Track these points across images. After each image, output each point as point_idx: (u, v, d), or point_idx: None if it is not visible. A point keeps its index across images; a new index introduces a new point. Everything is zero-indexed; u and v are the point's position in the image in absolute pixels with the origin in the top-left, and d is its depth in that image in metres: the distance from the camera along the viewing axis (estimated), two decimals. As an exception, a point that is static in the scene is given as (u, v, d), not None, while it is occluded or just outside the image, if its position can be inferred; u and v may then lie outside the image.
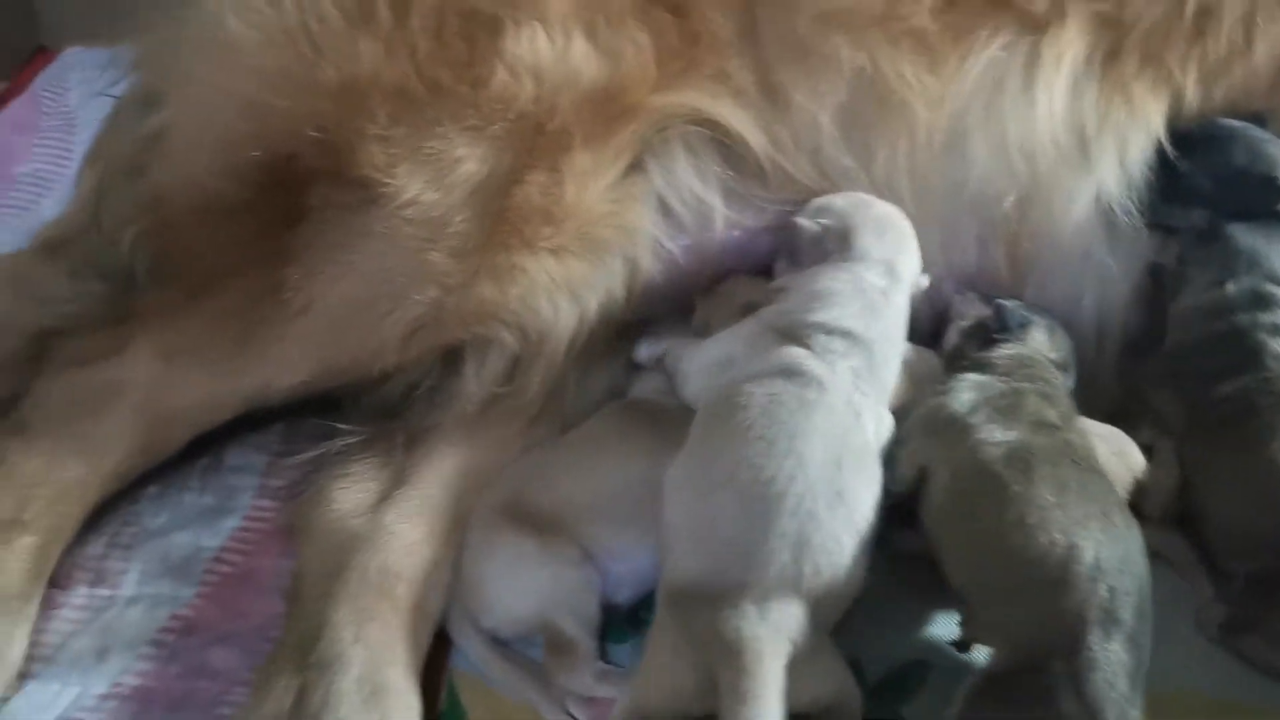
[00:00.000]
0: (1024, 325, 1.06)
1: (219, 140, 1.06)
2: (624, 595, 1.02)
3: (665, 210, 1.13)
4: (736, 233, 1.14)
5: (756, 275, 1.14)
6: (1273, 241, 1.03)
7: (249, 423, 1.15)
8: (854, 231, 1.06)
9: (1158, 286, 1.09)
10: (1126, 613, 0.82)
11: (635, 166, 1.11)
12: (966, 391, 0.98)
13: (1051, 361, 1.05)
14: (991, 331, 1.06)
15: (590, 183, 1.08)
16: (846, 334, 0.98)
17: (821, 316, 0.99)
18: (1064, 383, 1.05)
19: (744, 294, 1.12)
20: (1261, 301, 1.00)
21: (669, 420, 1.05)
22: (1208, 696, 0.93)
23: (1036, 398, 0.98)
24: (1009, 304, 1.08)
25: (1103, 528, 0.86)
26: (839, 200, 1.10)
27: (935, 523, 0.93)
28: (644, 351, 1.13)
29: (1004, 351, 1.03)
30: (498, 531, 1.00)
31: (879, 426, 0.95)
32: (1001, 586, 0.87)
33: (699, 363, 1.04)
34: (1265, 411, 0.96)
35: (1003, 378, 1.00)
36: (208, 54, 1.08)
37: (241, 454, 1.16)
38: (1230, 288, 1.01)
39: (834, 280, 1.02)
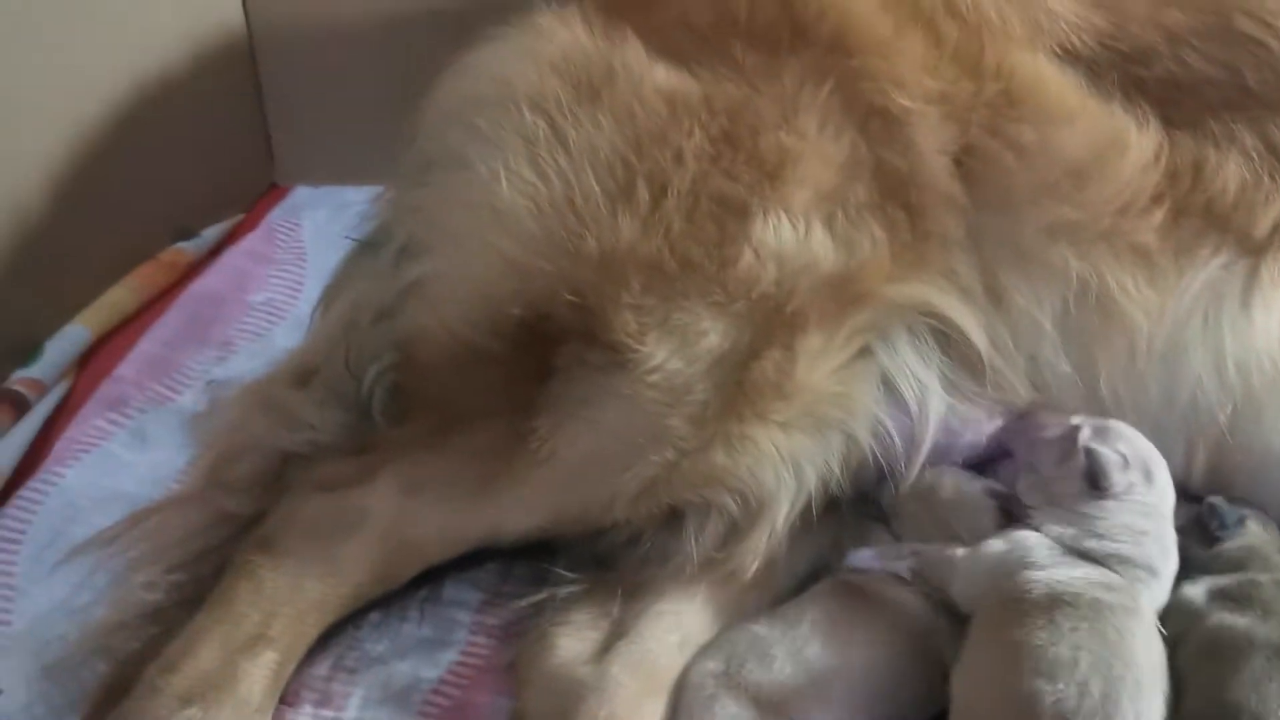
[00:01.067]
0: (1241, 520, 1.09)
1: (481, 295, 1.15)
2: (832, 776, 1.04)
3: (888, 393, 1.18)
4: (953, 421, 1.19)
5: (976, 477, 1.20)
6: None
7: (466, 559, 1.20)
8: (1152, 463, 1.11)
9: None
10: None
11: (863, 350, 1.18)
12: (1200, 584, 1.04)
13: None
14: (1211, 529, 1.09)
15: (821, 363, 1.13)
16: (1149, 569, 1.03)
17: (1131, 552, 1.04)
18: None
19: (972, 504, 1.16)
20: None
21: (887, 605, 1.09)
22: None
23: (1273, 586, 1.02)
24: (1218, 500, 1.11)
25: None
26: (1111, 428, 1.13)
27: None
28: (871, 557, 1.15)
29: (1230, 545, 1.07)
30: (714, 700, 1.02)
31: None
32: None
33: (982, 563, 1.06)
34: None
35: (1234, 573, 1.04)
36: (478, 216, 1.17)
37: (458, 589, 1.21)
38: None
39: (1143, 518, 1.06)
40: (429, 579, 1.19)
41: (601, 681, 1.05)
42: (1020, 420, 1.19)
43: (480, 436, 1.12)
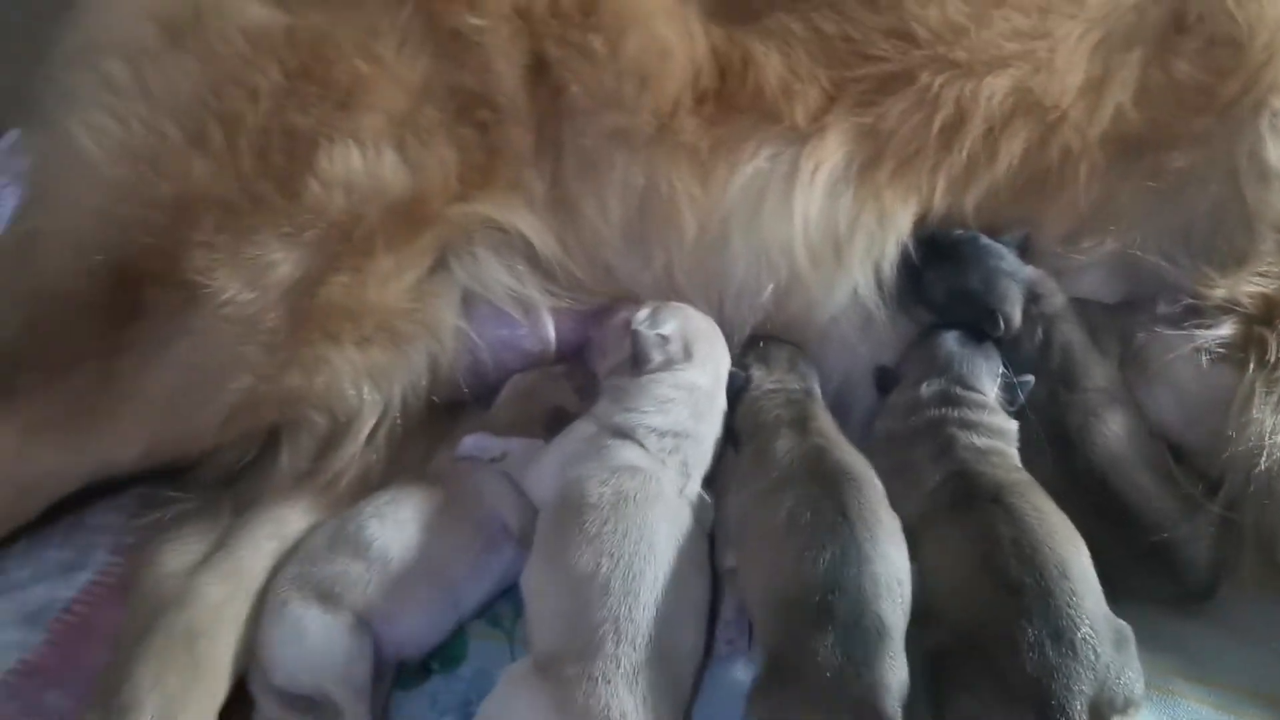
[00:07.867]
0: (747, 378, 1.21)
1: (74, 244, 1.21)
2: (408, 652, 1.14)
3: (469, 304, 1.27)
4: (528, 328, 1.29)
5: (551, 369, 1.30)
6: (972, 352, 1.16)
7: (112, 487, 1.30)
8: (694, 340, 1.20)
9: (880, 385, 1.22)
10: None
11: (440, 265, 1.26)
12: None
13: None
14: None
15: (392, 283, 1.22)
16: (678, 435, 1.13)
17: (658, 421, 1.14)
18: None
19: (547, 395, 1.26)
20: (949, 400, 1.13)
21: (455, 493, 1.18)
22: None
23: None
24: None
25: None
26: (667, 309, 1.23)
27: None
28: (473, 444, 1.22)
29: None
30: (284, 599, 1.11)
31: (703, 504, 1.12)
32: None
33: (546, 467, 1.15)
34: (961, 502, 1.06)
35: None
36: (64, 170, 1.23)
37: (101, 515, 1.30)
38: (924, 388, 1.14)
39: (672, 389, 1.16)
40: (72, 506, 1.29)
41: (185, 592, 1.14)
42: (602, 312, 1.29)
43: (80, 379, 1.20)
